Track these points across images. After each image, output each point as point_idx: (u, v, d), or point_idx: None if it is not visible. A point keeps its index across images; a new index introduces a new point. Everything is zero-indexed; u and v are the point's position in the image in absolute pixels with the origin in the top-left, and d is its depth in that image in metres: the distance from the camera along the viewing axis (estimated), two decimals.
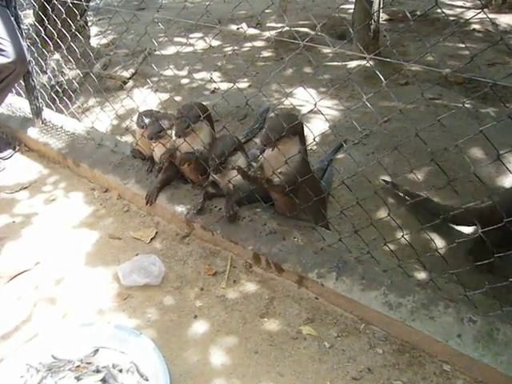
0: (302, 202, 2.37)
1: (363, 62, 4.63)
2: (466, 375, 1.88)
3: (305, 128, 2.37)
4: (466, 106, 3.81)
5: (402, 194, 2.85)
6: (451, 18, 5.95)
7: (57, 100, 3.76)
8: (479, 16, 1.81)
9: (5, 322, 2.24)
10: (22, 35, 3.22)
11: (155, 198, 2.83)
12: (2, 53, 3.08)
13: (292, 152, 2.31)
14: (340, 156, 3.39)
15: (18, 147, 3.69)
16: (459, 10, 6.40)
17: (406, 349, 2.01)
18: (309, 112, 2.50)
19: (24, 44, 3.21)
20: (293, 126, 2.26)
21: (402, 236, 2.15)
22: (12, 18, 3.16)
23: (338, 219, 2.74)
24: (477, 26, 5.73)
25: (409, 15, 1.95)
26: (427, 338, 1.95)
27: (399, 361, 1.97)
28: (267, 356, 2.03)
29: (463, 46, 5.01)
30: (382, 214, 2.78)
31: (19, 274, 2.50)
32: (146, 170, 3.00)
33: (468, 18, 5.95)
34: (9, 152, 3.59)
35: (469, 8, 6.47)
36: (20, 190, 3.21)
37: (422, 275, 2.16)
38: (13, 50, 3.10)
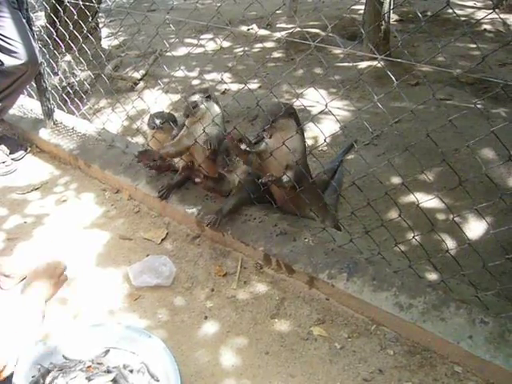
0: (307, 196, 2.40)
1: (374, 63, 4.61)
2: (477, 377, 1.87)
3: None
4: (478, 106, 3.79)
5: None
6: (462, 19, 5.92)
7: (68, 101, 3.78)
8: (490, 16, 1.81)
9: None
10: (33, 37, 3.24)
11: (169, 194, 2.84)
12: (14, 55, 3.11)
13: (291, 134, 2.36)
14: (351, 157, 3.38)
15: (29, 148, 3.71)
16: (470, 10, 6.36)
17: (417, 350, 2.00)
18: (319, 113, 2.50)
19: (36, 46, 3.24)
20: (287, 108, 2.34)
21: (413, 237, 2.14)
22: (24, 20, 3.18)
23: (349, 220, 2.73)
24: (488, 27, 5.70)
25: (420, 16, 1.95)
26: (438, 339, 1.94)
27: (410, 362, 1.96)
28: (278, 357, 2.03)
29: (474, 46, 4.98)
30: (393, 214, 2.77)
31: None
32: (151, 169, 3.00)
33: (479, 18, 5.92)
34: (20, 153, 3.62)
35: (479, 8, 6.43)
36: (32, 190, 3.24)
37: (433, 276, 2.15)
38: (25, 51, 3.13)
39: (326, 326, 2.15)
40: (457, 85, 4.19)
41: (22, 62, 3.14)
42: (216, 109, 2.69)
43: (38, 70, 3.37)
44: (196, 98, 2.63)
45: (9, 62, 3.13)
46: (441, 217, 2.82)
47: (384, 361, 1.98)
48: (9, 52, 3.11)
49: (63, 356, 2.00)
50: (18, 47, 3.11)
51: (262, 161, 2.47)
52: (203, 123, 2.63)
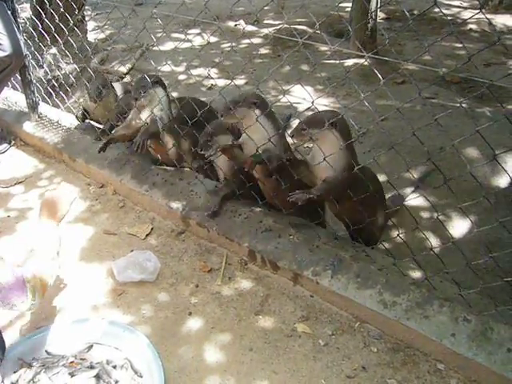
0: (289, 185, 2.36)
1: (360, 61, 4.63)
2: (459, 374, 1.89)
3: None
4: (463, 105, 3.82)
5: None
6: (448, 18, 5.96)
7: (53, 94, 3.74)
8: (476, 16, 1.81)
9: None
10: (18, 29, 3.20)
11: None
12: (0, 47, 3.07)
13: (254, 121, 2.36)
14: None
15: (13, 141, 3.67)
16: (456, 9, 6.41)
17: (401, 347, 2.02)
18: (306, 110, 2.49)
19: (20, 38, 3.20)
20: (248, 95, 2.38)
21: (398, 235, 2.16)
22: (9, 12, 3.14)
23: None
24: (473, 26, 5.75)
25: (407, 14, 1.95)
26: (421, 336, 1.95)
27: (393, 359, 1.98)
28: (262, 353, 2.03)
29: (460, 45, 5.02)
30: None
31: None
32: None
33: (465, 17, 5.96)
34: (4, 146, 3.58)
35: (466, 8, 6.48)
36: (15, 184, 3.20)
37: (417, 274, 2.16)
38: (9, 43, 3.09)
39: (310, 322, 2.16)
40: (442, 84, 4.22)
41: (7, 53, 3.10)
42: (162, 93, 2.88)
43: (22, 63, 3.33)
44: (144, 82, 2.79)
45: None
46: (425, 215, 2.84)
47: (367, 358, 1.99)
48: None
49: (46, 351, 1.98)
50: (3, 39, 3.07)
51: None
52: (151, 106, 2.83)
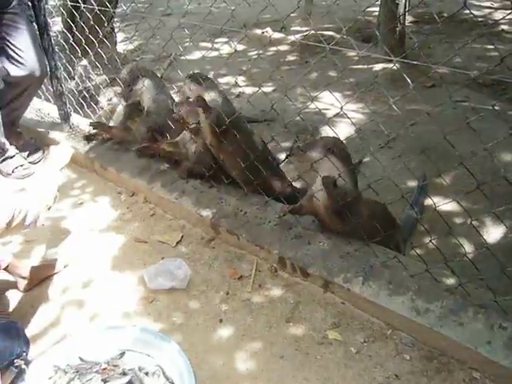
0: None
1: (389, 65, 4.60)
2: (496, 383, 1.85)
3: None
4: (495, 108, 3.75)
5: None
6: (479, 19, 5.87)
7: (84, 105, 3.81)
8: (508, 17, 1.78)
9: (34, 324, 2.27)
10: (50, 43, 3.31)
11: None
12: (21, 66, 3.21)
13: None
14: (366, 160, 3.35)
15: (46, 151, 3.74)
16: (487, 10, 6.31)
17: (434, 355, 1.98)
18: (335, 116, 2.48)
19: (44, 59, 3.34)
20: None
21: (430, 240, 2.13)
22: (37, 32, 3.29)
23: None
24: (505, 27, 5.65)
25: (437, 17, 1.93)
26: (456, 344, 1.91)
27: (427, 367, 1.94)
28: (293, 361, 2.02)
29: (491, 47, 4.94)
30: None
31: (47, 277, 2.54)
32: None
33: (497, 18, 5.87)
34: (38, 156, 3.65)
35: (497, 9, 6.37)
36: None
37: (450, 280, 2.13)
38: (32, 63, 3.23)
39: (341, 329, 2.14)
40: (473, 86, 4.15)
41: (28, 73, 3.24)
42: (153, 86, 3.07)
43: (42, 83, 3.51)
44: (133, 79, 3.04)
45: (15, 72, 3.22)
46: (458, 220, 2.79)
47: (400, 366, 1.96)
48: (17, 62, 3.20)
49: (79, 358, 2.00)
50: (27, 59, 3.20)
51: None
52: (144, 100, 3.00)
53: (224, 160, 2.80)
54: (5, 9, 3.11)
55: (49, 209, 2.13)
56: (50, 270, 2.55)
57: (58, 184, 2.23)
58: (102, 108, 3.34)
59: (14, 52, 3.17)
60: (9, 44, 3.16)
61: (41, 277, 2.51)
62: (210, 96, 2.68)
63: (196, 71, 2.87)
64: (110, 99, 3.33)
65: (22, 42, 3.19)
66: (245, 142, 2.66)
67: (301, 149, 2.36)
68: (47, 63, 3.37)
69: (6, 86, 3.27)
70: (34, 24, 3.25)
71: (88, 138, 3.50)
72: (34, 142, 3.80)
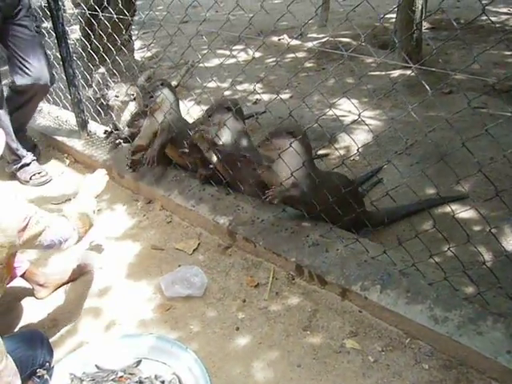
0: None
1: (406, 72, 4.58)
2: None
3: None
4: None
5: None
6: (497, 25, 5.82)
7: (102, 113, 3.84)
8: None
9: (50, 332, 2.28)
10: (68, 51, 3.40)
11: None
12: (26, 75, 3.33)
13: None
14: (384, 166, 3.34)
15: (38, 156, 3.80)
16: (504, 16, 6.26)
17: (453, 365, 1.95)
18: (352, 122, 2.47)
19: (49, 69, 3.46)
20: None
21: (449, 248, 2.10)
22: (43, 44, 3.46)
23: (383, 231, 2.69)
24: None
25: (454, 24, 1.92)
26: (475, 353, 1.88)
27: (446, 377, 1.91)
28: (310, 369, 2.00)
29: (508, 53, 4.89)
30: (428, 225, 2.72)
31: (64, 283, 2.55)
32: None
33: None
34: (36, 153, 3.77)
35: None
36: (66, 201, 3.28)
37: (469, 289, 2.10)
38: (36, 73, 3.35)
39: (359, 338, 2.12)
40: (492, 93, 4.11)
41: (32, 82, 3.36)
42: (172, 96, 3.06)
43: (47, 91, 3.66)
44: (153, 87, 2.99)
45: (20, 81, 3.34)
46: (477, 228, 2.76)
47: (419, 375, 1.93)
48: (22, 72, 3.32)
49: (96, 365, 2.01)
50: (31, 69, 3.32)
51: None
52: (163, 110, 3.00)
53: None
54: (12, 19, 3.22)
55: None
56: (70, 276, 2.56)
57: (93, 210, 2.27)
58: (108, 101, 3.35)
59: (20, 62, 3.30)
60: (15, 54, 3.29)
61: (58, 284, 2.52)
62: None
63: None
64: (117, 96, 3.33)
65: (28, 52, 3.30)
66: None
67: (266, 138, 2.49)
68: (54, 73, 3.53)
69: (13, 94, 3.43)
70: (53, 35, 3.36)
71: (134, 164, 3.26)
72: (31, 140, 3.88)
